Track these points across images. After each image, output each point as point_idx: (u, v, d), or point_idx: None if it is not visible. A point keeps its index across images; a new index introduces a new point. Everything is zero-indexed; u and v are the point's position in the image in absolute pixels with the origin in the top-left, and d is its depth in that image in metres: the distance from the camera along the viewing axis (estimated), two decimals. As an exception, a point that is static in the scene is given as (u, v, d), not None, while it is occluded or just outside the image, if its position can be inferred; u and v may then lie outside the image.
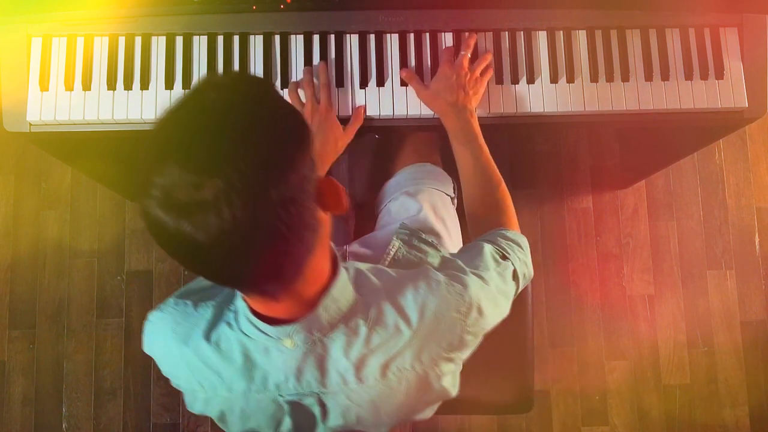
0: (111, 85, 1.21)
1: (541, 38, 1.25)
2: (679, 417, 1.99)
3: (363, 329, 0.81)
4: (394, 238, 1.19)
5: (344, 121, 1.21)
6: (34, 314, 1.99)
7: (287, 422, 0.90)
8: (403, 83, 1.22)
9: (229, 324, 0.82)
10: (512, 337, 1.40)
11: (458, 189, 1.33)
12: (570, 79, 1.24)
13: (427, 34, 1.24)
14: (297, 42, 1.23)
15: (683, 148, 1.69)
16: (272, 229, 0.65)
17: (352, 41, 1.24)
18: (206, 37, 1.23)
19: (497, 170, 1.13)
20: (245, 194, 0.62)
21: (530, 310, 1.42)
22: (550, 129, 2.01)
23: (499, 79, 1.24)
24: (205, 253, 0.65)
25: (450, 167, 1.27)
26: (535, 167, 2.10)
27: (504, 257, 0.98)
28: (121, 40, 1.22)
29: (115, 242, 2.03)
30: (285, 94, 1.21)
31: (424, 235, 1.23)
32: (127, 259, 2.02)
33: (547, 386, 1.98)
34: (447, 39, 1.25)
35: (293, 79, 1.22)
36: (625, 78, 1.25)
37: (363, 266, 0.89)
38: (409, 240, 1.20)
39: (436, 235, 1.28)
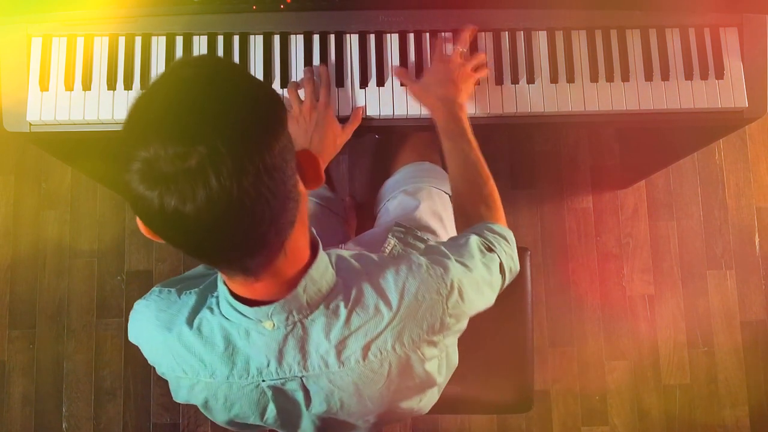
0: (111, 85, 1.21)
1: (541, 38, 1.25)
2: (679, 417, 1.99)
3: (343, 311, 0.81)
4: (390, 236, 1.19)
5: (344, 120, 1.21)
6: (34, 314, 1.99)
7: (271, 409, 0.90)
8: (404, 83, 1.22)
9: (210, 309, 0.83)
10: (512, 337, 1.40)
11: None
12: (570, 79, 1.24)
13: (427, 34, 1.24)
14: (297, 42, 1.23)
15: (683, 148, 1.69)
16: (258, 196, 0.65)
17: (352, 41, 1.24)
18: (206, 37, 1.23)
19: (486, 166, 1.13)
20: (231, 161, 0.63)
21: (530, 310, 1.42)
22: (550, 129, 2.01)
23: (499, 79, 1.24)
24: (192, 225, 0.65)
25: (449, 167, 1.27)
26: (535, 167, 2.10)
27: (490, 249, 0.99)
28: (121, 40, 1.22)
29: (115, 242, 2.03)
30: (285, 93, 1.21)
31: (419, 233, 1.23)
32: (127, 259, 2.02)
33: (547, 386, 1.98)
34: (447, 39, 1.24)
35: (293, 80, 1.23)
36: (625, 78, 1.25)
37: (345, 253, 0.89)
38: (404, 238, 1.20)
39: (432, 232, 1.28)
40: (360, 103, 1.22)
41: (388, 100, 1.22)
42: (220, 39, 1.23)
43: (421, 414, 1.06)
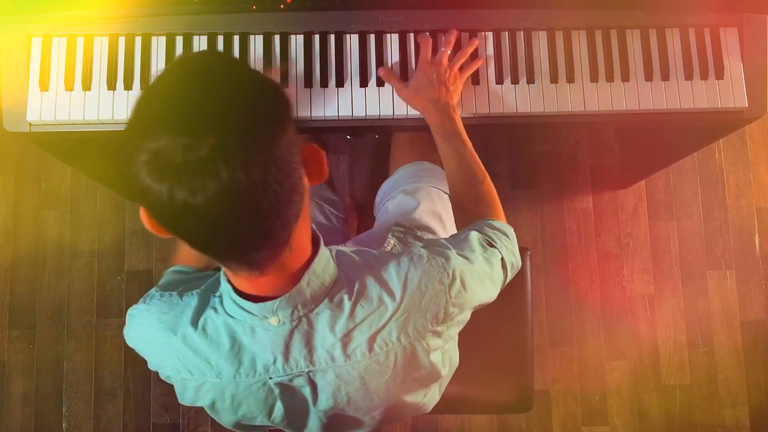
0: (111, 85, 1.21)
1: (541, 38, 1.25)
2: (679, 417, 1.99)
3: (347, 303, 0.82)
4: (389, 236, 1.19)
5: (343, 121, 1.21)
6: (34, 314, 1.99)
7: (279, 407, 0.90)
8: (390, 84, 1.22)
9: (214, 309, 0.83)
10: (512, 337, 1.40)
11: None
12: (570, 79, 1.24)
13: (427, 34, 1.24)
14: (297, 42, 1.23)
15: (683, 148, 1.69)
16: (266, 188, 0.66)
17: (352, 41, 1.24)
18: (206, 37, 1.23)
19: (481, 165, 1.13)
20: (240, 152, 0.63)
21: (530, 310, 1.42)
22: (550, 129, 2.01)
23: (499, 79, 1.24)
24: (201, 217, 0.65)
25: (450, 167, 1.27)
26: (535, 167, 2.10)
27: (491, 245, 0.99)
28: (121, 40, 1.22)
29: (115, 242, 2.03)
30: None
31: (419, 233, 1.23)
32: (127, 259, 2.02)
33: (547, 386, 1.98)
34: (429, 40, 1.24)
35: (293, 80, 1.22)
36: (625, 78, 1.25)
37: (345, 248, 0.89)
38: (404, 237, 1.20)
39: (432, 232, 1.28)
40: (360, 103, 1.22)
41: (388, 100, 1.22)
42: (220, 39, 1.23)
43: (423, 412, 1.06)
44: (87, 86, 1.22)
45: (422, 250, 0.89)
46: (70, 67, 1.21)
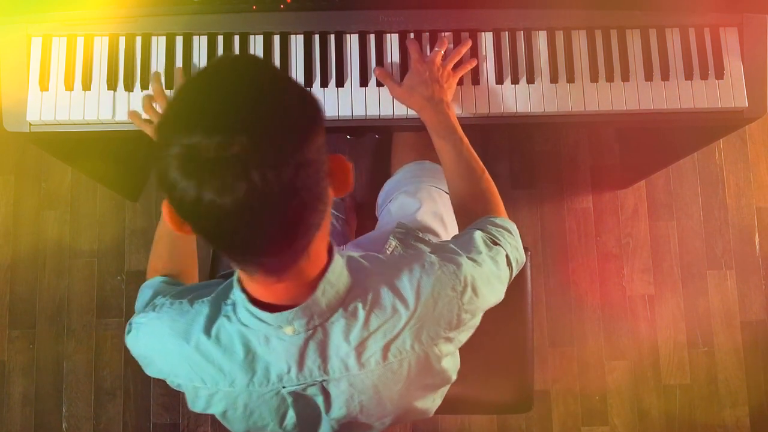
0: (111, 85, 1.21)
1: (541, 38, 1.25)
2: (679, 417, 1.99)
3: (361, 312, 0.81)
4: (391, 237, 1.19)
5: (343, 121, 1.21)
6: (34, 314, 1.99)
7: (291, 416, 0.90)
8: (385, 84, 1.22)
9: (227, 317, 0.82)
10: (512, 337, 1.40)
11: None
12: (570, 79, 1.24)
13: (427, 34, 1.24)
14: (297, 42, 1.23)
15: (683, 148, 1.69)
16: (294, 191, 0.66)
17: (352, 41, 1.24)
18: (206, 37, 1.23)
19: (480, 161, 1.13)
20: (272, 153, 0.63)
21: (530, 310, 1.42)
22: (550, 129, 2.01)
23: (499, 79, 1.24)
24: (227, 217, 0.65)
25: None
26: (535, 167, 2.10)
27: (495, 243, 0.99)
28: (121, 40, 1.22)
29: (115, 242, 2.03)
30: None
31: (420, 234, 1.23)
32: (127, 259, 2.02)
33: (547, 386, 1.98)
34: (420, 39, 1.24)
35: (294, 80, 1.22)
36: (625, 78, 1.25)
37: (354, 254, 0.89)
38: (405, 239, 1.20)
39: (434, 233, 1.28)
40: (360, 103, 1.22)
41: (388, 100, 1.22)
42: (220, 39, 1.23)
43: (428, 416, 1.06)
44: (87, 86, 1.22)
45: (433, 256, 0.88)
46: (70, 67, 1.21)
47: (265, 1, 1.20)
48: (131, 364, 1.96)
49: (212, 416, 2.02)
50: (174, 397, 1.95)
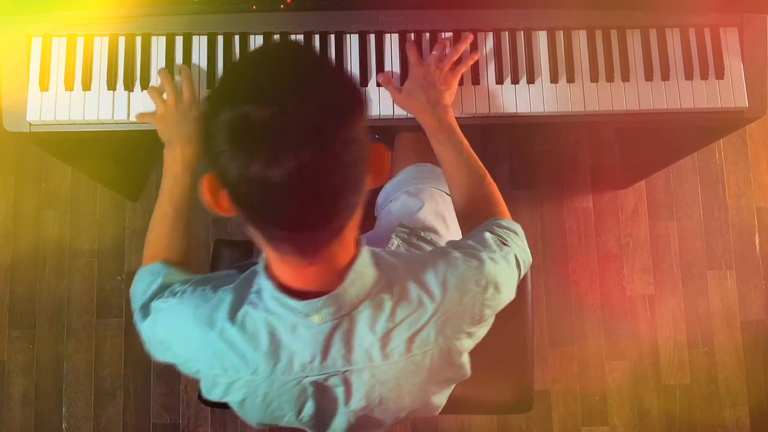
0: (111, 85, 1.21)
1: (541, 38, 1.25)
2: (679, 417, 1.99)
3: (388, 303, 0.82)
4: (393, 236, 1.19)
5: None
6: (34, 314, 1.99)
7: (309, 406, 0.90)
8: (387, 90, 1.22)
9: (253, 304, 0.82)
10: (512, 337, 1.40)
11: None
12: (570, 79, 1.24)
13: (427, 34, 1.24)
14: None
15: (683, 148, 1.69)
16: (341, 167, 0.67)
17: (352, 41, 1.24)
18: (206, 37, 1.23)
19: (480, 163, 1.13)
20: (323, 126, 0.65)
21: (530, 310, 1.42)
22: (550, 129, 2.01)
23: (499, 79, 1.24)
24: (274, 189, 0.65)
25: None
26: (535, 167, 2.10)
27: (504, 244, 0.99)
28: (121, 40, 1.22)
29: (115, 242, 2.03)
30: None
31: (422, 233, 1.23)
32: (127, 259, 2.02)
33: (547, 386, 1.98)
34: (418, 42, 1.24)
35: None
36: (626, 78, 1.25)
37: (377, 249, 0.89)
38: (408, 238, 1.20)
39: (436, 233, 1.28)
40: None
41: (388, 100, 1.22)
42: (220, 39, 1.23)
43: (437, 413, 1.07)
44: (87, 86, 1.22)
45: (456, 252, 0.89)
46: (70, 67, 1.21)
47: (265, 1, 1.20)
48: (131, 364, 1.96)
49: (212, 416, 2.03)
50: (174, 397, 1.95)
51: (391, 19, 1.23)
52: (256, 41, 1.23)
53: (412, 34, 1.24)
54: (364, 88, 1.22)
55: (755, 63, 1.26)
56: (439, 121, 1.14)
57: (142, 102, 1.21)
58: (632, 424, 1.98)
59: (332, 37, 1.23)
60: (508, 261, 0.96)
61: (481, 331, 0.93)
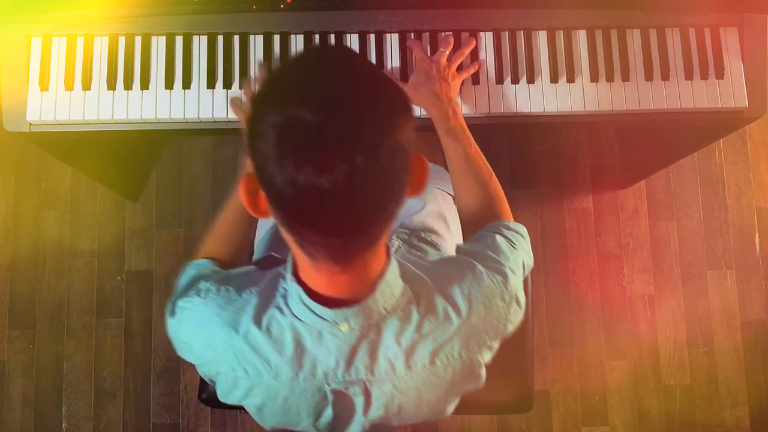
0: (111, 85, 1.21)
1: (541, 38, 1.25)
2: (679, 417, 1.99)
3: (415, 316, 0.81)
4: (394, 237, 1.19)
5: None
6: (34, 314, 1.99)
7: (328, 413, 0.89)
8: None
9: (279, 309, 0.81)
10: (512, 337, 1.39)
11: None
12: (570, 79, 1.24)
13: (427, 34, 1.24)
14: (297, 42, 1.23)
15: (683, 148, 1.69)
16: (387, 174, 0.66)
17: (352, 41, 1.24)
18: (206, 36, 1.23)
19: (487, 163, 1.13)
20: (374, 133, 0.63)
21: (530, 310, 1.42)
22: (550, 129, 2.01)
23: (499, 79, 1.24)
24: (321, 196, 0.63)
25: (450, 167, 1.27)
26: (535, 167, 2.10)
27: (513, 247, 0.99)
28: (121, 40, 1.22)
29: (115, 242, 2.03)
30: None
31: (423, 234, 1.23)
32: (127, 259, 2.02)
33: (547, 386, 1.98)
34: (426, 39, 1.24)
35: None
36: (626, 78, 1.25)
37: (400, 259, 0.88)
38: (408, 239, 1.19)
39: (436, 234, 1.28)
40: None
41: (388, 100, 1.22)
42: (220, 39, 1.23)
43: (443, 418, 1.07)
44: (87, 86, 1.22)
45: (479, 265, 0.88)
46: (70, 67, 1.21)
47: (265, 1, 1.20)
48: (131, 364, 1.96)
49: (212, 416, 2.02)
50: (174, 397, 1.95)
51: (391, 19, 1.23)
52: (256, 41, 1.23)
53: (412, 34, 1.24)
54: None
55: (755, 63, 1.26)
56: (448, 115, 1.13)
57: (140, 102, 1.21)
58: (632, 424, 1.98)
59: (332, 37, 1.23)
60: (519, 265, 0.96)
61: (498, 344, 0.93)
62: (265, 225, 1.32)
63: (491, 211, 1.08)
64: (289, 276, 0.79)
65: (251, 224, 1.11)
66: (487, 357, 0.90)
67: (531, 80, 1.24)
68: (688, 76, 1.25)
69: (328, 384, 0.84)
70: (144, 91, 1.22)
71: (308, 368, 0.83)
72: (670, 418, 1.99)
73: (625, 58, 1.25)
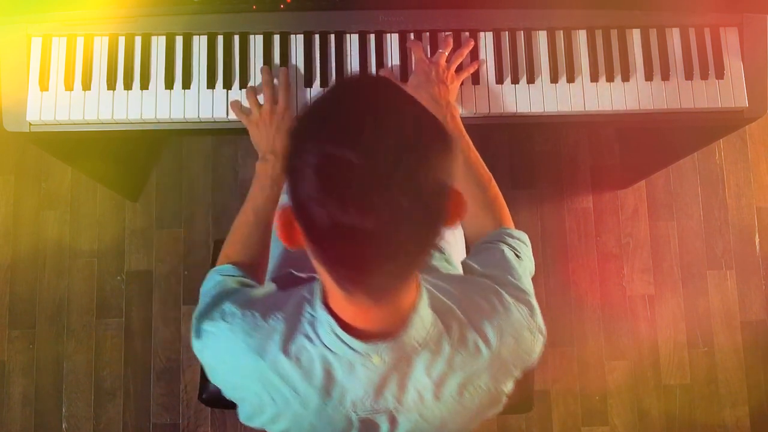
0: (111, 85, 1.21)
1: (541, 38, 1.25)
2: (679, 417, 1.99)
3: (447, 349, 0.80)
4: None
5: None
6: (34, 314, 1.99)
7: None
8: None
9: (308, 337, 0.79)
10: (512, 337, 1.40)
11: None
12: (570, 79, 1.24)
13: (427, 34, 1.24)
14: (297, 42, 1.23)
15: (683, 148, 1.69)
16: (431, 212, 0.64)
17: (352, 41, 1.24)
18: (206, 36, 1.23)
19: (486, 167, 1.12)
20: (418, 175, 0.61)
21: (530, 310, 1.42)
22: (550, 129, 2.01)
23: (499, 79, 1.24)
24: (363, 238, 0.61)
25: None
26: (535, 167, 2.10)
27: (518, 257, 0.99)
28: (121, 40, 1.22)
29: (115, 242, 2.03)
30: (243, 94, 1.21)
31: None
32: (127, 259, 2.02)
33: (547, 386, 1.98)
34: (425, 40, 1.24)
35: (293, 80, 1.22)
36: (626, 78, 1.25)
37: (426, 285, 0.85)
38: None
39: (442, 238, 1.27)
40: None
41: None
42: (220, 39, 1.23)
43: None
44: (87, 86, 1.22)
45: (505, 294, 0.88)
46: (70, 67, 1.21)
47: (265, 1, 1.21)
48: (131, 364, 1.96)
49: (212, 416, 2.02)
50: (174, 397, 1.95)
51: (391, 19, 1.23)
52: (256, 41, 1.23)
53: (412, 34, 1.24)
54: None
55: (755, 63, 1.26)
56: (448, 117, 1.13)
57: (140, 102, 1.21)
58: (632, 424, 1.98)
59: (332, 37, 1.23)
60: (528, 279, 0.96)
61: (521, 373, 0.92)
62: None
63: (492, 216, 1.08)
64: (318, 304, 0.77)
65: (269, 227, 1.11)
66: (510, 386, 0.90)
67: (531, 80, 1.24)
68: (688, 76, 1.25)
69: (356, 412, 0.83)
70: (144, 91, 1.22)
71: (337, 397, 0.82)
72: (670, 418, 1.99)
73: (625, 58, 1.25)
